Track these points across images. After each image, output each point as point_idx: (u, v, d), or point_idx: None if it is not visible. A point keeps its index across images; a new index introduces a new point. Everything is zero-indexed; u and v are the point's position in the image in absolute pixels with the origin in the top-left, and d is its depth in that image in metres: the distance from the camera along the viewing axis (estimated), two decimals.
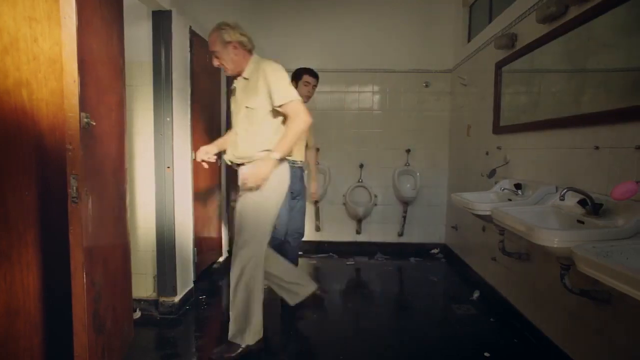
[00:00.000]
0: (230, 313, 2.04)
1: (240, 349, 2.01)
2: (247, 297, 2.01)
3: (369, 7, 3.97)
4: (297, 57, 4.00)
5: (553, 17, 2.06)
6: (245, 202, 2.01)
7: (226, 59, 2.00)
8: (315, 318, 2.57)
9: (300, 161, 2.78)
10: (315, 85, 2.80)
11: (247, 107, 1.98)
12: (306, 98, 2.73)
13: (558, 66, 2.14)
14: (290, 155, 2.59)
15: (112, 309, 1.70)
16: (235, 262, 2.01)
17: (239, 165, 2.07)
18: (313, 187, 3.10)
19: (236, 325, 2.04)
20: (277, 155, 1.93)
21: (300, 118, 1.92)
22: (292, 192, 2.71)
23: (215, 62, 2.04)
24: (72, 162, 1.40)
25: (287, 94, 1.92)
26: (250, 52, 2.05)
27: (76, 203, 1.40)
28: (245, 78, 2.02)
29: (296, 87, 2.71)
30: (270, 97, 1.92)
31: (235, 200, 2.16)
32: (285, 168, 2.07)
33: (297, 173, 2.75)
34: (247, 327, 2.01)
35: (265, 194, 1.98)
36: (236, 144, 2.03)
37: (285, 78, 1.97)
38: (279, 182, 2.03)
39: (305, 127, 1.96)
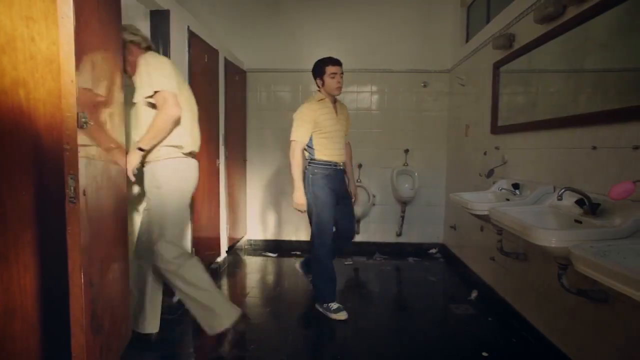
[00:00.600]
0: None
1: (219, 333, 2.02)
2: (188, 293, 2.00)
3: (368, 7, 3.98)
4: (295, 57, 4.01)
5: (551, 18, 2.07)
6: (149, 205, 2.00)
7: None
8: (312, 317, 2.56)
9: (343, 163, 2.63)
10: (342, 73, 2.52)
11: (133, 102, 1.95)
12: (337, 90, 2.52)
13: (556, 66, 2.14)
14: (326, 157, 2.51)
15: (110, 310, 1.70)
16: (156, 268, 2.01)
17: (143, 165, 2.01)
18: (352, 187, 2.82)
19: (203, 319, 2.03)
20: (140, 145, 1.86)
21: (165, 110, 1.85)
22: (336, 195, 2.58)
23: None
24: (70, 162, 1.39)
25: (152, 85, 1.86)
26: (147, 49, 2.02)
27: (74, 203, 1.40)
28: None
29: (323, 84, 2.53)
30: (142, 89, 1.88)
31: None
32: (184, 164, 2.02)
33: (338, 175, 2.60)
34: (210, 315, 2.01)
35: (164, 191, 1.96)
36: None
37: (157, 69, 1.89)
38: (176, 178, 1.99)
39: (170, 120, 1.87)
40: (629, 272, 1.00)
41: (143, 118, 1.94)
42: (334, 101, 2.61)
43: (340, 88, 2.53)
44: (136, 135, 1.97)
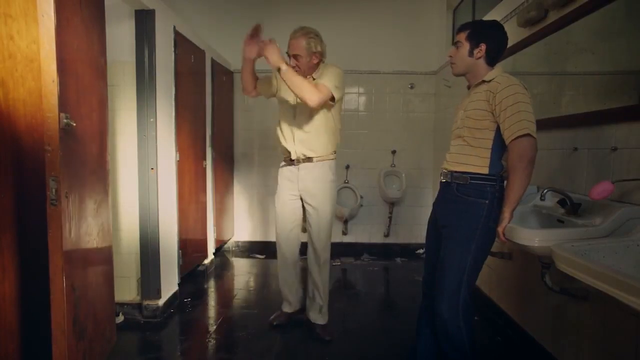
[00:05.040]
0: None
1: None
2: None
3: (355, 9, 4.00)
4: None
5: (533, 22, 2.11)
6: (318, 200, 2.26)
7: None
8: (300, 318, 2.56)
9: (451, 173, 1.67)
10: (457, 43, 1.74)
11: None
12: (452, 69, 1.77)
13: (539, 69, 2.18)
14: None
15: (93, 314, 1.67)
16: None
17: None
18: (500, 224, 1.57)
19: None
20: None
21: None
22: (434, 226, 1.73)
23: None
24: (51, 163, 1.36)
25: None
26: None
27: (55, 206, 1.37)
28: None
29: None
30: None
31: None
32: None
33: (440, 192, 1.73)
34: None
35: (334, 186, 2.36)
36: (309, 141, 2.22)
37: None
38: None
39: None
40: (608, 271, 1.02)
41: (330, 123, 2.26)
42: (478, 84, 1.61)
43: (452, 66, 1.73)
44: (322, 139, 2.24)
